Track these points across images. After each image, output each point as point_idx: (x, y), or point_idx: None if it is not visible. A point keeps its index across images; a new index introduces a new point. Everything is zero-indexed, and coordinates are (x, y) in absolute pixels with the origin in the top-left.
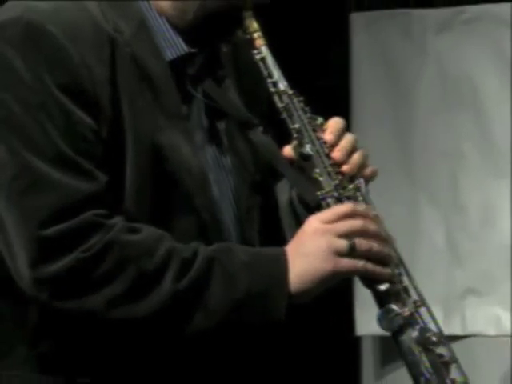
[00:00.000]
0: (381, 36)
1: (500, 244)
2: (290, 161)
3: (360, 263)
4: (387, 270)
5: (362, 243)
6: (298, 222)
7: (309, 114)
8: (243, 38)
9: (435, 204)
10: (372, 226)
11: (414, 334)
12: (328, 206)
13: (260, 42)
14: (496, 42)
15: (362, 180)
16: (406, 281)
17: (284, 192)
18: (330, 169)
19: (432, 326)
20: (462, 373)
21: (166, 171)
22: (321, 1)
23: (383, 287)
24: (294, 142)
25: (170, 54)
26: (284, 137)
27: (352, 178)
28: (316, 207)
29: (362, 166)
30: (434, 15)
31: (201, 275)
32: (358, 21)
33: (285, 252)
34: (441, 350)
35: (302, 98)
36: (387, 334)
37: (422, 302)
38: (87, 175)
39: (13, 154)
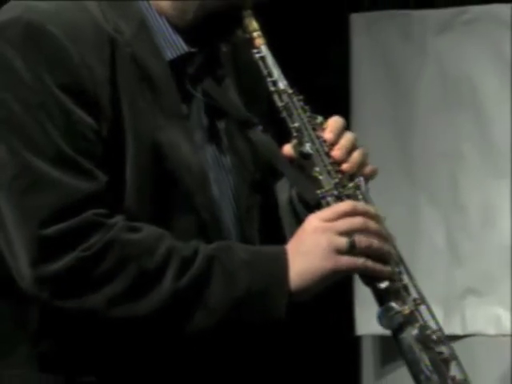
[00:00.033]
0: (381, 36)
1: (500, 244)
2: (290, 159)
3: (360, 261)
4: (387, 268)
5: (361, 240)
6: (298, 221)
7: (308, 113)
8: (243, 37)
9: (435, 204)
10: (372, 224)
11: (414, 331)
12: (328, 204)
13: (260, 42)
14: (496, 42)
15: (361, 178)
16: (405, 279)
17: (284, 191)
18: (329, 167)
19: (432, 324)
20: (462, 370)
21: (166, 170)
22: (321, 1)
23: (383, 285)
24: (294, 141)
25: (169, 54)
26: (284, 136)
27: (352, 176)
28: (316, 206)
29: (362, 164)
30: (434, 16)
31: (201, 274)
32: (358, 21)
33: (285, 250)
34: (441, 347)
35: (301, 97)
36: (387, 333)
37: (421, 300)
38: (87, 175)
39: (13, 154)
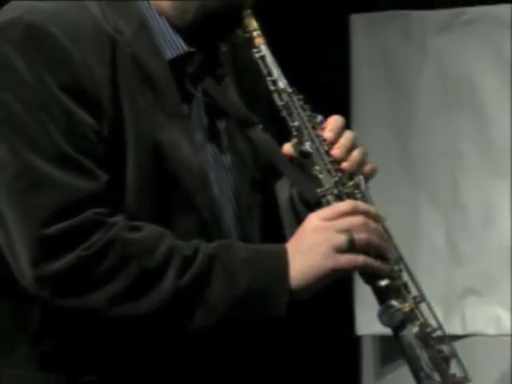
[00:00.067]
0: (381, 37)
1: (500, 244)
2: (290, 158)
3: (360, 259)
4: (387, 266)
5: (361, 238)
6: (299, 220)
7: (308, 112)
8: (242, 37)
9: (435, 204)
10: (372, 223)
11: (415, 329)
12: (328, 203)
13: (259, 41)
14: (495, 42)
15: (361, 177)
16: (405, 277)
17: (284, 190)
18: (329, 166)
19: (432, 322)
20: (463, 368)
21: (167, 169)
22: (321, 2)
23: (383, 283)
24: (294, 140)
25: (169, 54)
26: (284, 135)
27: (351, 175)
28: (316, 204)
29: (362, 163)
30: (433, 16)
31: (202, 272)
32: (359, 21)
33: (285, 249)
34: (441, 345)
35: (301, 96)
36: (387, 333)
37: (422, 298)
38: (88, 174)
39: (14, 154)
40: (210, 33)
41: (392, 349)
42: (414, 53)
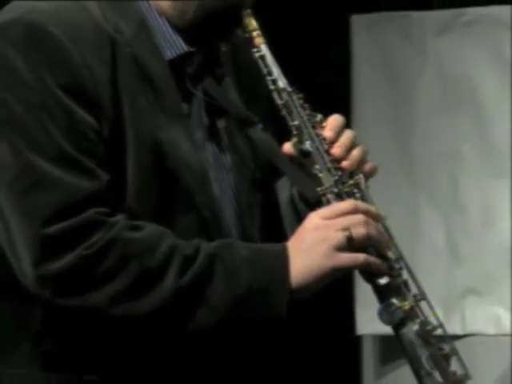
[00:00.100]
0: (381, 37)
1: (500, 244)
2: (290, 157)
3: (361, 257)
4: (387, 264)
5: (360, 235)
6: (299, 219)
7: (308, 111)
8: (242, 37)
9: (435, 204)
10: (372, 222)
11: (415, 327)
12: (328, 201)
13: (259, 41)
14: (495, 43)
15: (361, 176)
16: (405, 275)
17: (284, 189)
18: (329, 165)
19: (432, 320)
20: (463, 365)
21: (167, 169)
22: (323, 3)
23: (383, 281)
24: (294, 139)
25: (169, 54)
26: (284, 134)
27: (352, 173)
28: (316, 203)
29: (362, 161)
30: (434, 17)
31: (203, 272)
32: (359, 22)
33: (286, 248)
34: (441, 343)
35: (301, 95)
36: (388, 333)
37: (422, 296)
38: (89, 174)
39: (15, 154)
40: (209, 33)
41: (392, 348)
42: (414, 53)
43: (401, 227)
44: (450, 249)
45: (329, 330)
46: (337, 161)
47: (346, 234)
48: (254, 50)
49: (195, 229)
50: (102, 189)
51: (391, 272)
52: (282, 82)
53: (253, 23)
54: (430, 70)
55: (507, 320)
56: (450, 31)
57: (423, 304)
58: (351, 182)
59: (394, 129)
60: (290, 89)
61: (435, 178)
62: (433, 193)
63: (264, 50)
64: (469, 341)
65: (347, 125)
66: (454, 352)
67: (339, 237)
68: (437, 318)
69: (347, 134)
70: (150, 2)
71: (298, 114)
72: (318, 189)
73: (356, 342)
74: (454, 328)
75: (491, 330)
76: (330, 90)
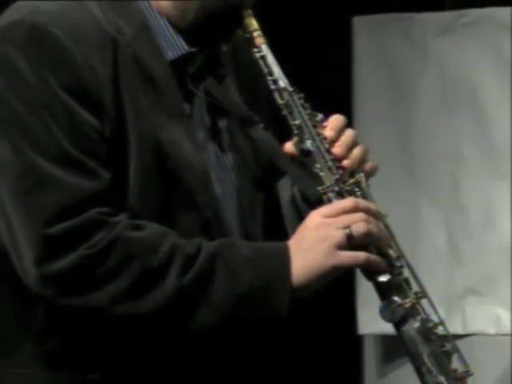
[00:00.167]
0: (383, 38)
1: (500, 244)
2: (291, 157)
3: (362, 256)
4: (388, 261)
5: (361, 233)
6: (300, 218)
7: (309, 111)
8: (243, 37)
9: (436, 204)
10: (373, 220)
11: (416, 324)
12: (329, 200)
13: (260, 41)
14: (496, 44)
15: (362, 175)
16: (406, 272)
17: (286, 189)
18: (330, 164)
19: (433, 317)
20: (464, 363)
21: (168, 169)
22: (325, 4)
23: (384, 279)
24: (295, 138)
25: (171, 54)
26: (287, 133)
27: (352, 172)
28: (317, 202)
29: (363, 160)
30: (435, 19)
31: (204, 271)
32: (361, 24)
33: (287, 247)
34: (442, 340)
35: (302, 95)
36: (389, 332)
37: (423, 294)
38: (91, 174)
39: (17, 154)
40: (210, 33)
41: (394, 348)
42: (416, 54)
43: (401, 227)
44: (450, 249)
45: (330, 330)
46: (338, 160)
47: (347, 232)
48: (255, 50)
49: (197, 228)
50: (104, 189)
51: (392, 270)
52: (283, 82)
53: (253, 23)
54: (431, 70)
55: (507, 320)
56: (450, 32)
57: (424, 301)
58: (352, 180)
59: (395, 129)
60: (290, 88)
61: (436, 178)
62: (433, 193)
63: (265, 50)
64: (469, 340)
65: (349, 124)
66: (455, 349)
67: (340, 235)
68: (438, 316)
69: (348, 134)
70: (151, 2)
71: (298, 114)
72: (319, 188)
73: (357, 341)
74: (454, 328)
75: (491, 330)
76: (331, 90)
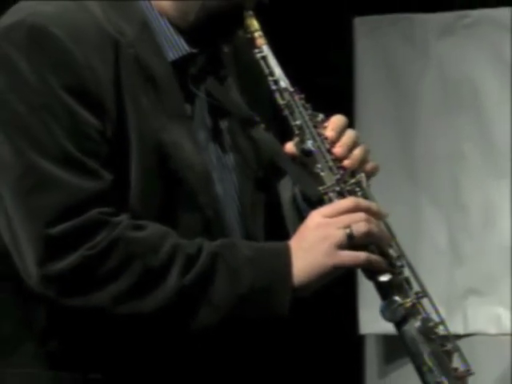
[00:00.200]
0: (384, 40)
1: (500, 244)
2: (292, 157)
3: (362, 255)
4: (389, 261)
5: (360, 229)
6: (301, 219)
7: (310, 111)
8: (244, 38)
9: (437, 204)
10: (374, 219)
11: (417, 324)
12: (330, 200)
13: (261, 42)
14: (496, 45)
15: (363, 175)
16: (407, 272)
17: (287, 189)
18: (331, 164)
19: (434, 317)
20: (465, 362)
21: (170, 169)
22: (326, 5)
23: (385, 278)
24: (296, 139)
25: (172, 55)
26: (288, 134)
27: (353, 172)
28: (318, 202)
29: (363, 160)
30: (435, 20)
31: (205, 271)
32: (362, 25)
33: (288, 247)
34: (443, 339)
35: (303, 96)
36: (391, 332)
37: (423, 293)
38: (92, 174)
39: (18, 155)
40: (211, 34)
41: (395, 348)
42: (416, 55)
43: (402, 227)
44: (451, 249)
45: (332, 330)
46: (338, 160)
47: (347, 231)
48: (256, 50)
49: (198, 229)
50: (106, 189)
51: (393, 269)
52: (284, 82)
53: (255, 24)
54: (432, 71)
55: (507, 320)
56: (451, 33)
57: (425, 301)
58: (353, 180)
59: (396, 129)
60: (291, 89)
61: (436, 178)
62: (434, 193)
63: (266, 50)
64: (470, 340)
65: (350, 125)
66: (456, 348)
67: (340, 235)
68: (439, 315)
69: (349, 134)
70: (152, 2)
71: (299, 114)
72: (320, 188)
73: (359, 341)
74: (455, 328)
75: (492, 330)
76: (333, 91)
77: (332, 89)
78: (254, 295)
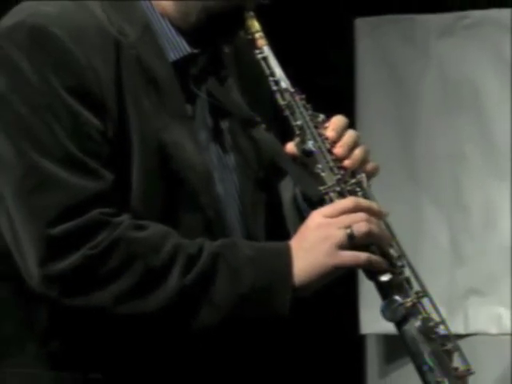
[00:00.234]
0: (384, 40)
1: (500, 244)
2: (293, 157)
3: (363, 256)
4: (389, 261)
5: (361, 229)
6: (302, 219)
7: (310, 112)
8: (245, 39)
9: (437, 204)
10: (374, 219)
11: (417, 323)
12: (331, 200)
13: (262, 42)
14: (496, 46)
15: (363, 175)
16: (407, 272)
17: (288, 190)
18: (331, 164)
19: (435, 316)
20: (465, 361)
21: (171, 170)
22: (327, 6)
23: (386, 278)
24: (297, 139)
25: (173, 55)
26: (288, 134)
27: (354, 173)
28: (319, 202)
29: (364, 161)
30: (436, 20)
31: (206, 270)
32: (363, 25)
33: (288, 246)
34: (443, 339)
35: (303, 96)
36: (391, 332)
37: (424, 293)
38: (94, 174)
39: (20, 155)
40: (212, 34)
41: (396, 347)
42: (417, 56)
43: (403, 227)
44: (452, 249)
45: (333, 330)
46: (339, 160)
47: (348, 231)
48: (257, 51)
49: (199, 229)
50: (107, 189)
51: (393, 269)
52: (285, 83)
53: (255, 25)
54: (433, 71)
55: (508, 319)
56: (451, 34)
57: (426, 301)
58: (353, 180)
59: (397, 130)
60: (292, 89)
61: (437, 178)
62: (435, 193)
63: (266, 51)
64: (471, 340)
65: (351, 125)
66: (456, 348)
67: (341, 235)
68: (439, 315)
69: (349, 134)
70: (153, 3)
71: (300, 114)
72: (321, 188)
73: (360, 341)
74: (456, 328)
75: (493, 330)
76: (333, 91)
77: (333, 89)
78: (255, 295)
